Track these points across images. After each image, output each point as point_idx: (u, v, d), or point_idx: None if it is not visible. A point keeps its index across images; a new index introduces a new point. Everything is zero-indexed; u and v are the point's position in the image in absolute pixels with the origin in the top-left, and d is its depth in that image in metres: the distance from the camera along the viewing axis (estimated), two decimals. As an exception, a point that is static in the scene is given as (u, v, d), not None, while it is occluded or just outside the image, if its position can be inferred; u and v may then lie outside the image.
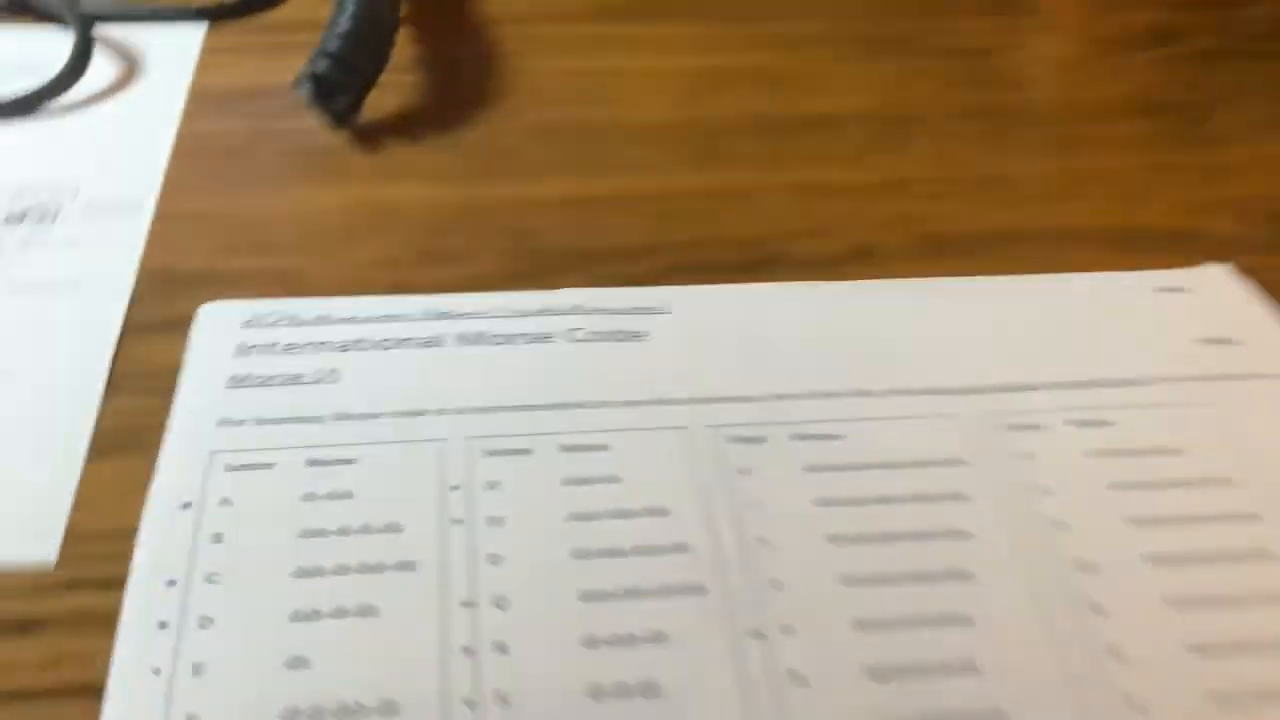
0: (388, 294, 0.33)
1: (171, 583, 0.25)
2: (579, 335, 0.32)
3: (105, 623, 0.24)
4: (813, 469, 0.29)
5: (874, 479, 0.28)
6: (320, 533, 0.26)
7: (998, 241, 0.36)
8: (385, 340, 0.31)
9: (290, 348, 0.31)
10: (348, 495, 0.27)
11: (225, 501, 0.27)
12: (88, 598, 0.25)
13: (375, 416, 0.29)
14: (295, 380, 0.30)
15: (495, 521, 0.27)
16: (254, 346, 0.31)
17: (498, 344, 0.31)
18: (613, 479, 0.28)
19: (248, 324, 0.31)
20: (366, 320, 0.32)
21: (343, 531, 0.27)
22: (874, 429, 0.30)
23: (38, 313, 0.32)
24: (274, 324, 0.31)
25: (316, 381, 0.30)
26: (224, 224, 0.35)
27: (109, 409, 0.29)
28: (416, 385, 0.30)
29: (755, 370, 0.31)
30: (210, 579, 0.26)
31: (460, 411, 0.29)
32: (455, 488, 0.28)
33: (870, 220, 0.37)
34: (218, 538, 0.26)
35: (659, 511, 0.27)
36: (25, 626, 0.24)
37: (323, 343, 0.31)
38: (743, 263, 0.35)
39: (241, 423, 0.29)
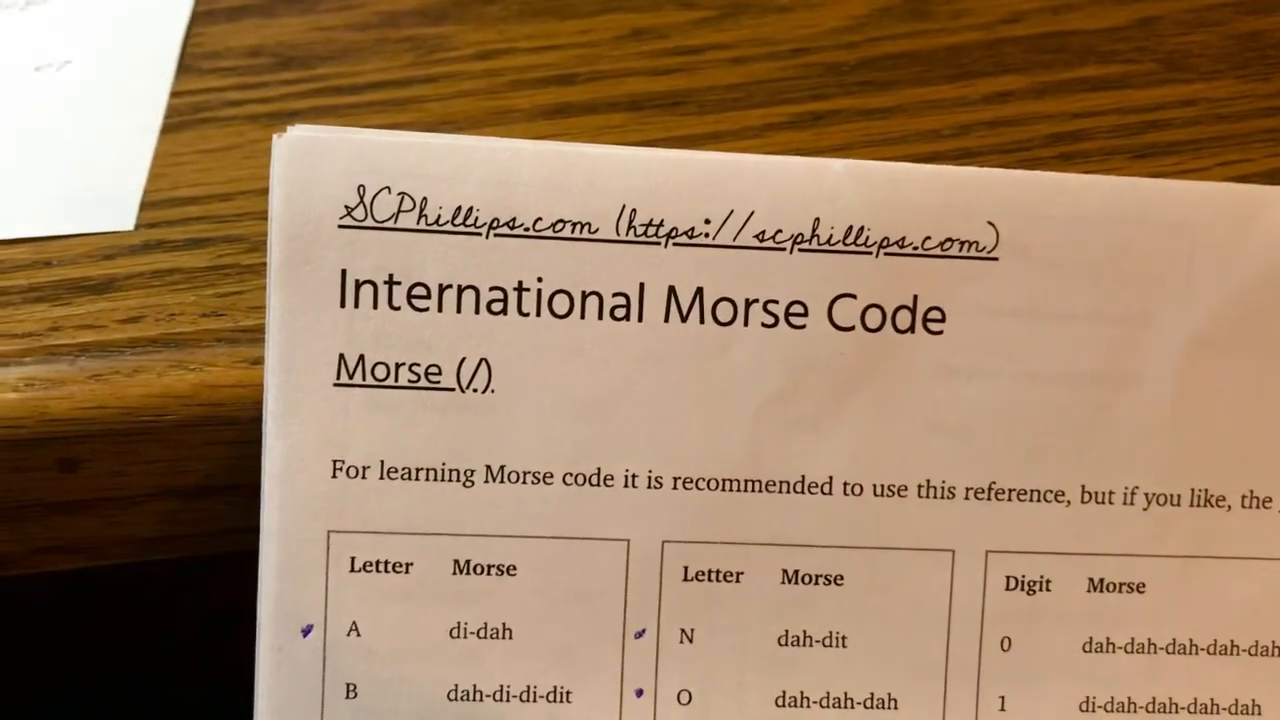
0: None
1: None
2: None
3: (183, 281, 0.25)
4: None
5: None
6: (472, 697, 0.21)
7: None
8: (582, 287, 0.21)
9: (420, 294, 0.21)
10: (505, 635, 0.21)
11: (354, 630, 0.21)
12: (165, 259, 0.25)
13: (545, 480, 0.21)
14: (429, 377, 0.21)
15: (684, 698, 0.22)
16: (363, 281, 0.20)
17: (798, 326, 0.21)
18: (841, 642, 0.21)
19: (350, 208, 0.20)
20: (555, 230, 0.21)
21: (500, 696, 0.21)
22: None
23: None
24: (393, 215, 0.20)
25: (464, 387, 0.21)
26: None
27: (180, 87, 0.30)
28: (607, 409, 0.21)
29: None
30: None
31: (657, 480, 0.21)
32: (640, 634, 0.21)
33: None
34: (351, 692, 0.21)
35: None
36: (106, 285, 0.25)
37: (470, 287, 0.21)
38: None
39: (363, 473, 0.21)
